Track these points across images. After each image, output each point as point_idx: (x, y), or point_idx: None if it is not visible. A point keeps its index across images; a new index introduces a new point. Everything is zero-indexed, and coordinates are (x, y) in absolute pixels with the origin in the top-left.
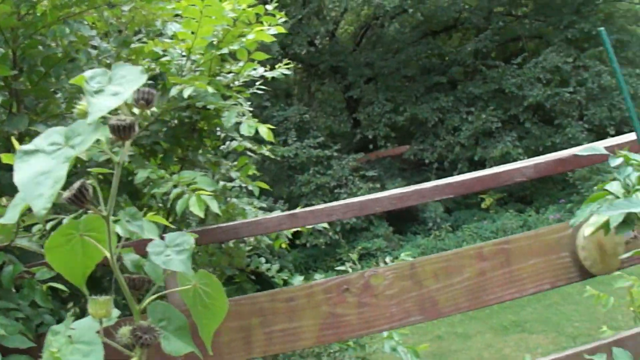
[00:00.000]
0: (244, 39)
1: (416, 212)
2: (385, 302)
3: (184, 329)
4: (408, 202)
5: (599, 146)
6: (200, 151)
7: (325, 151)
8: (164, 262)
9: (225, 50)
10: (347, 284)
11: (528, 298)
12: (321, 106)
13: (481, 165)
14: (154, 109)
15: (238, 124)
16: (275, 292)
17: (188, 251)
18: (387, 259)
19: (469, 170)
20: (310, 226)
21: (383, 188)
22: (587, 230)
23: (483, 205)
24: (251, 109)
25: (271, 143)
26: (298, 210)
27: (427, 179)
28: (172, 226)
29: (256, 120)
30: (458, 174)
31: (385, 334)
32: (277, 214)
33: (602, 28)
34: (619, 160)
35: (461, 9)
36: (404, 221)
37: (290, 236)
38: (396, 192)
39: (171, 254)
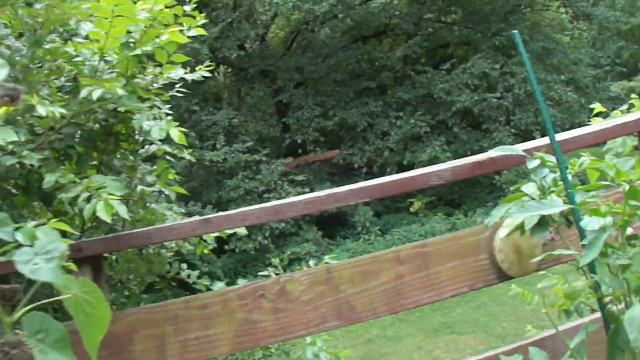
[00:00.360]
0: (157, 40)
1: (345, 216)
2: (302, 307)
3: (64, 341)
4: (322, 206)
5: (515, 147)
6: (118, 155)
7: (254, 156)
8: (31, 271)
9: (138, 51)
10: (263, 290)
11: (457, 299)
12: (251, 110)
13: (410, 169)
14: (62, 110)
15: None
16: (189, 298)
17: (58, 259)
18: (311, 263)
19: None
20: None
21: (312, 192)
22: (502, 232)
23: (412, 209)
24: (171, 112)
25: (198, 147)
26: (211, 215)
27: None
28: (76, 232)
29: (177, 123)
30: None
31: (308, 339)
32: (191, 219)
33: (515, 31)
34: (536, 162)
35: (391, 15)
36: (334, 225)
37: (209, 241)
38: (310, 196)
39: (40, 262)
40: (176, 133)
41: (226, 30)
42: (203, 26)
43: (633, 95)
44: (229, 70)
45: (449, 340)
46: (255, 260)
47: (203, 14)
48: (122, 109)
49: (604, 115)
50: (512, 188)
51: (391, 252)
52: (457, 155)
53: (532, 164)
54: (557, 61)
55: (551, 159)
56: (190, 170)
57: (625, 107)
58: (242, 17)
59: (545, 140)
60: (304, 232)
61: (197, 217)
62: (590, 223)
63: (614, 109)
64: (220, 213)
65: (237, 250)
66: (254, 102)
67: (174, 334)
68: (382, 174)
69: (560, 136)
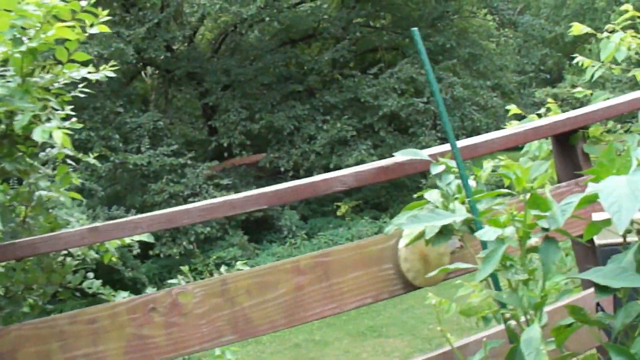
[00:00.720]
0: (43, 36)
1: (272, 220)
2: (195, 321)
3: None
4: (217, 213)
5: (420, 152)
6: (10, 158)
7: (179, 159)
8: None
9: (23, 48)
10: (154, 303)
11: (385, 303)
12: (177, 113)
13: None
14: None
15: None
16: (76, 313)
17: None
18: (222, 269)
19: None
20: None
21: None
22: (402, 241)
23: (339, 213)
24: (73, 113)
25: (122, 150)
26: (100, 223)
27: None
28: None
29: (81, 125)
30: None
31: (217, 351)
32: (79, 227)
33: (415, 29)
34: (440, 168)
35: (320, 18)
36: (260, 229)
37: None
38: (205, 204)
39: None
40: (59, 135)
41: (153, 30)
42: (129, 26)
43: (549, 100)
44: (156, 71)
45: (376, 343)
46: (180, 265)
47: (106, 11)
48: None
49: (520, 118)
50: (415, 195)
51: (290, 262)
52: (383, 159)
53: (435, 169)
54: (483, 67)
55: (454, 164)
56: (114, 173)
57: (543, 110)
58: (170, 18)
59: (442, 147)
60: (230, 236)
61: (85, 226)
62: (486, 234)
63: (539, 116)
64: (110, 221)
65: (161, 255)
66: (181, 105)
67: (60, 351)
68: (307, 176)
69: (471, 140)
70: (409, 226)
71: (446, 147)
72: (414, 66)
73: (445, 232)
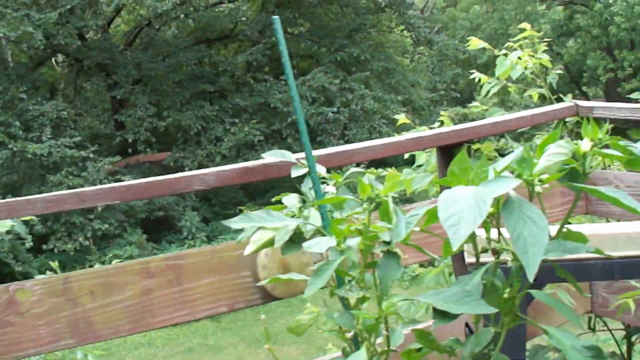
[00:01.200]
0: None
1: (172, 220)
2: (33, 321)
3: None
4: (65, 205)
5: (288, 154)
6: None
7: (81, 152)
8: None
9: None
10: None
11: (282, 309)
12: (85, 104)
13: None
14: None
15: None
16: None
17: None
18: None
19: None
20: None
21: None
22: (248, 248)
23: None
24: None
25: (22, 138)
26: None
27: None
28: None
29: None
30: None
31: (79, 354)
32: None
33: (276, 17)
34: (302, 171)
35: (238, 20)
36: (160, 229)
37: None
38: (52, 195)
39: None
40: None
41: (65, 16)
42: (40, 9)
43: (443, 112)
44: (66, 59)
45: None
46: (75, 261)
47: None
48: None
49: (408, 128)
50: (273, 199)
51: (139, 263)
52: None
53: (296, 172)
54: (395, 82)
55: (321, 169)
56: (12, 162)
57: (437, 124)
58: (85, 6)
59: (325, 150)
60: (128, 234)
61: None
62: (315, 245)
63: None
64: None
65: (55, 250)
66: (90, 96)
67: None
68: None
69: (352, 146)
70: (239, 225)
71: (319, 151)
72: (327, 75)
73: (297, 239)
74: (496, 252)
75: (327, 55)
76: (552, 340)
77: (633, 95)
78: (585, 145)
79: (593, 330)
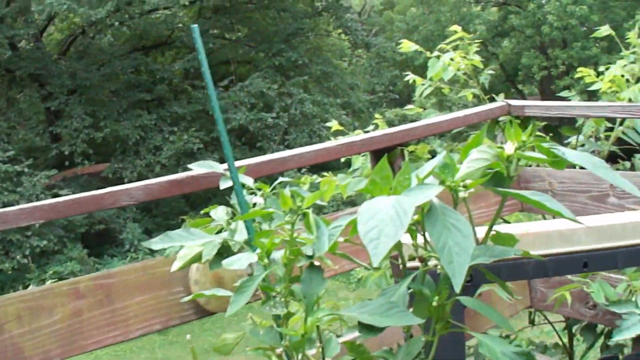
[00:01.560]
0: None
1: (114, 233)
2: None
3: None
4: None
5: (216, 165)
6: None
7: (15, 166)
8: None
9: None
10: None
11: (229, 318)
12: (19, 116)
13: None
14: None
15: None
16: None
17: None
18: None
19: None
20: None
21: None
22: (175, 264)
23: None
24: None
25: None
26: None
27: None
28: None
29: None
30: None
31: None
32: None
33: (194, 25)
34: (228, 183)
35: (174, 27)
36: (101, 243)
37: None
38: None
39: None
40: None
41: None
42: None
43: (377, 115)
44: None
45: None
46: (14, 281)
47: None
48: None
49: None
50: (202, 212)
51: (67, 284)
52: None
53: (225, 184)
54: (334, 85)
55: (247, 180)
56: None
57: (371, 127)
58: (16, 14)
59: (254, 159)
60: (68, 249)
61: None
62: (236, 261)
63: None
64: None
65: None
66: (23, 108)
67: None
68: None
69: (282, 154)
70: (159, 245)
71: (248, 161)
72: (265, 81)
73: (225, 253)
74: (423, 260)
75: (265, 60)
76: (482, 348)
77: (563, 94)
78: (509, 148)
79: (533, 324)
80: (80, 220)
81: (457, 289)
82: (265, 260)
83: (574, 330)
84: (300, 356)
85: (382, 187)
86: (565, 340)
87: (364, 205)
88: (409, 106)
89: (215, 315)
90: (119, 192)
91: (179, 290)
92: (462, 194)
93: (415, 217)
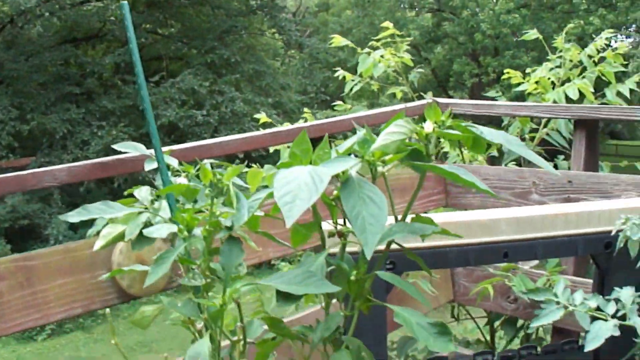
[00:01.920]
0: None
1: (38, 228)
2: None
3: None
4: None
5: (141, 146)
6: None
7: None
8: None
9: None
10: None
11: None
12: None
13: (109, 180)
14: None
15: None
16: None
17: None
18: None
19: (95, 185)
20: None
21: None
22: (97, 243)
23: None
24: None
25: None
26: None
27: (51, 194)
28: None
29: None
30: (84, 187)
31: None
32: None
33: (125, 2)
34: (153, 165)
35: (106, 19)
36: (26, 239)
37: None
38: None
39: None
40: None
41: None
42: None
43: (306, 110)
44: None
45: None
46: None
47: None
48: None
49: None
50: (126, 192)
51: None
52: None
53: (149, 166)
54: (266, 84)
55: (172, 161)
56: None
57: (301, 121)
58: None
59: (178, 146)
60: None
61: None
62: (156, 230)
63: None
64: None
65: None
66: None
67: None
68: (79, 184)
69: (208, 141)
70: (76, 218)
71: (174, 147)
72: (197, 78)
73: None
74: (342, 235)
75: (198, 57)
76: (398, 318)
77: (490, 94)
78: (428, 126)
79: (457, 319)
80: (4, 215)
81: (368, 256)
82: (185, 233)
83: (495, 325)
84: (218, 330)
85: (301, 160)
86: (488, 335)
87: (279, 172)
88: (338, 102)
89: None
90: (42, 173)
91: (102, 274)
92: (380, 169)
93: (335, 192)
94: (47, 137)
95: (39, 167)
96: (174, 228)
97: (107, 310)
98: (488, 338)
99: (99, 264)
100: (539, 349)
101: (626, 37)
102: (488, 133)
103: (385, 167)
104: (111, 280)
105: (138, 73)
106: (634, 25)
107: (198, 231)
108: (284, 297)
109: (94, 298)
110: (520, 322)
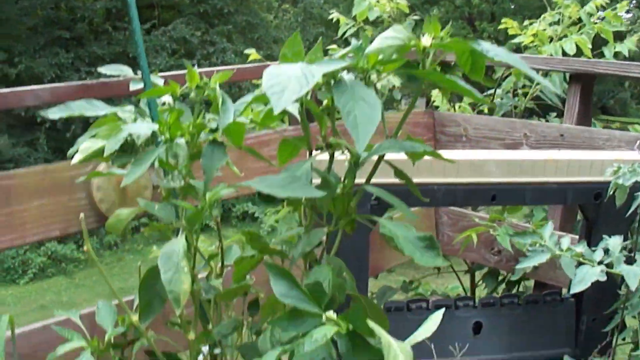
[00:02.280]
0: None
1: None
2: None
3: None
4: None
5: (127, 68)
6: None
7: None
8: None
9: None
10: None
11: (137, 259)
12: None
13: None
14: None
15: None
16: None
17: None
18: None
19: (85, 130)
20: None
21: None
22: (75, 157)
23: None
24: None
25: None
26: None
27: (37, 138)
28: None
29: None
30: (71, 132)
31: None
32: None
33: None
34: (140, 85)
35: None
36: None
37: None
38: None
39: None
40: None
41: None
42: None
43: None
44: None
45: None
46: None
47: None
48: None
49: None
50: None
51: None
52: None
53: (135, 86)
54: (258, 37)
55: (159, 81)
56: None
57: None
58: None
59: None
60: None
61: None
62: (136, 128)
63: None
64: None
65: None
66: None
67: None
68: (67, 130)
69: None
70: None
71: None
72: (189, 27)
73: (128, 149)
74: (330, 145)
75: (190, 6)
76: (384, 229)
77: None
78: (425, 40)
79: (439, 271)
80: None
81: (361, 150)
82: (167, 135)
83: (477, 280)
84: (195, 236)
85: (293, 62)
86: (469, 291)
87: (270, 67)
88: (333, 46)
89: (123, 260)
90: (24, 92)
91: (81, 197)
92: (373, 77)
93: (325, 102)
94: (35, 81)
95: (24, 110)
96: (154, 127)
97: (81, 215)
98: (469, 294)
99: (78, 186)
100: (521, 298)
101: (625, 12)
102: (488, 48)
103: (379, 78)
104: (90, 203)
105: (132, 16)
106: (634, 1)
107: (182, 140)
108: (266, 199)
109: (72, 221)
110: (502, 275)
